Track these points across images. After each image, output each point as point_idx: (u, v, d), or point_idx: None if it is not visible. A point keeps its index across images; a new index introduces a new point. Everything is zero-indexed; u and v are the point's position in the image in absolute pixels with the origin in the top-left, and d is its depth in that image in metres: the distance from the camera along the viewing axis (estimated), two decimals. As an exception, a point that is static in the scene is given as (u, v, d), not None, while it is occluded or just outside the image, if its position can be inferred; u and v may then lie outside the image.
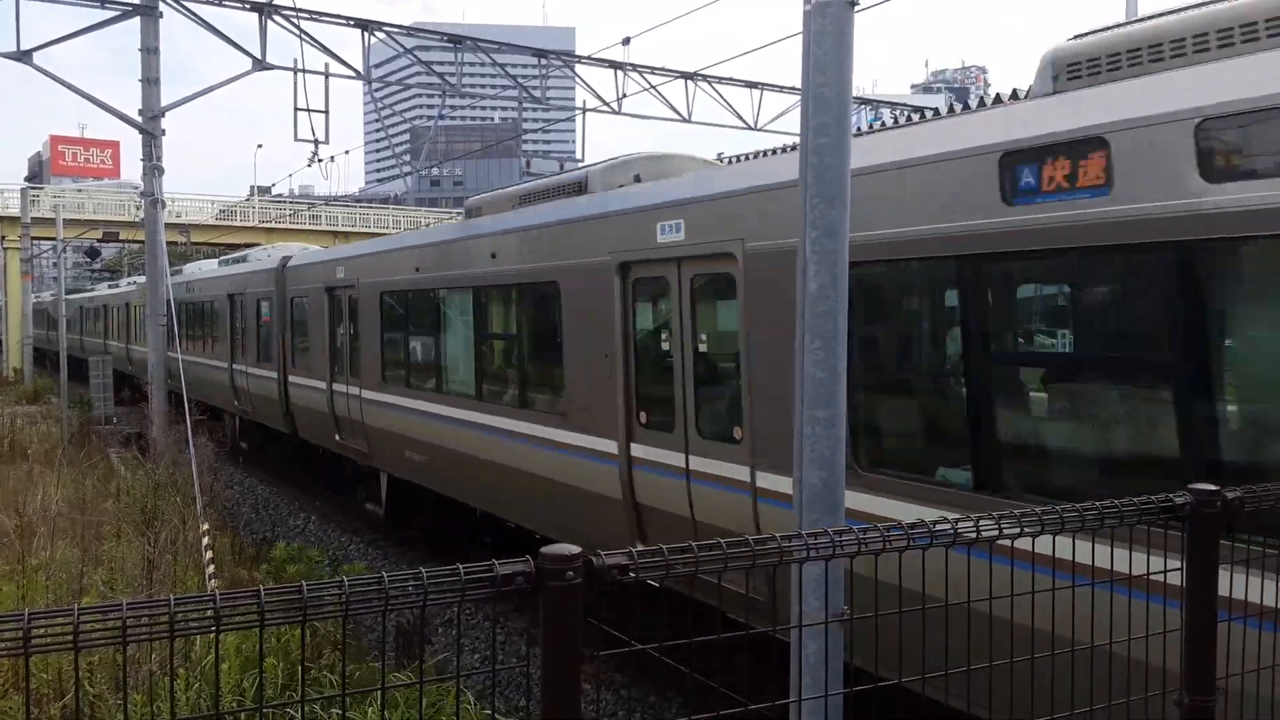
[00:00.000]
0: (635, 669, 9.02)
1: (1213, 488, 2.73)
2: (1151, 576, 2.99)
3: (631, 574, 2.05)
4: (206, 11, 26.85)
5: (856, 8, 3.67)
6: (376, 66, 36.07)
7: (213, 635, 1.83)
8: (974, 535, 2.60)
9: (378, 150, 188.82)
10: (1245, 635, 2.92)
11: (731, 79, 25.51)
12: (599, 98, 25.03)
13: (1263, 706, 3.01)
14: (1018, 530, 2.62)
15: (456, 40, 24.40)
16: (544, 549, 2.01)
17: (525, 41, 29.15)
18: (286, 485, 18.75)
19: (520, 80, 25.96)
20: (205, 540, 10.34)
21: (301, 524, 15.79)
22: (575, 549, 2.01)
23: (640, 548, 2.17)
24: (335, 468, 16.09)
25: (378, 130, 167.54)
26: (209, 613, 1.75)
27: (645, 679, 8.88)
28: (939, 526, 2.58)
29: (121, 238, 50.86)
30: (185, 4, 19.71)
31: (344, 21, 21.63)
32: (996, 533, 2.59)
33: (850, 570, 3.48)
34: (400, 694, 6.24)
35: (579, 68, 26.17)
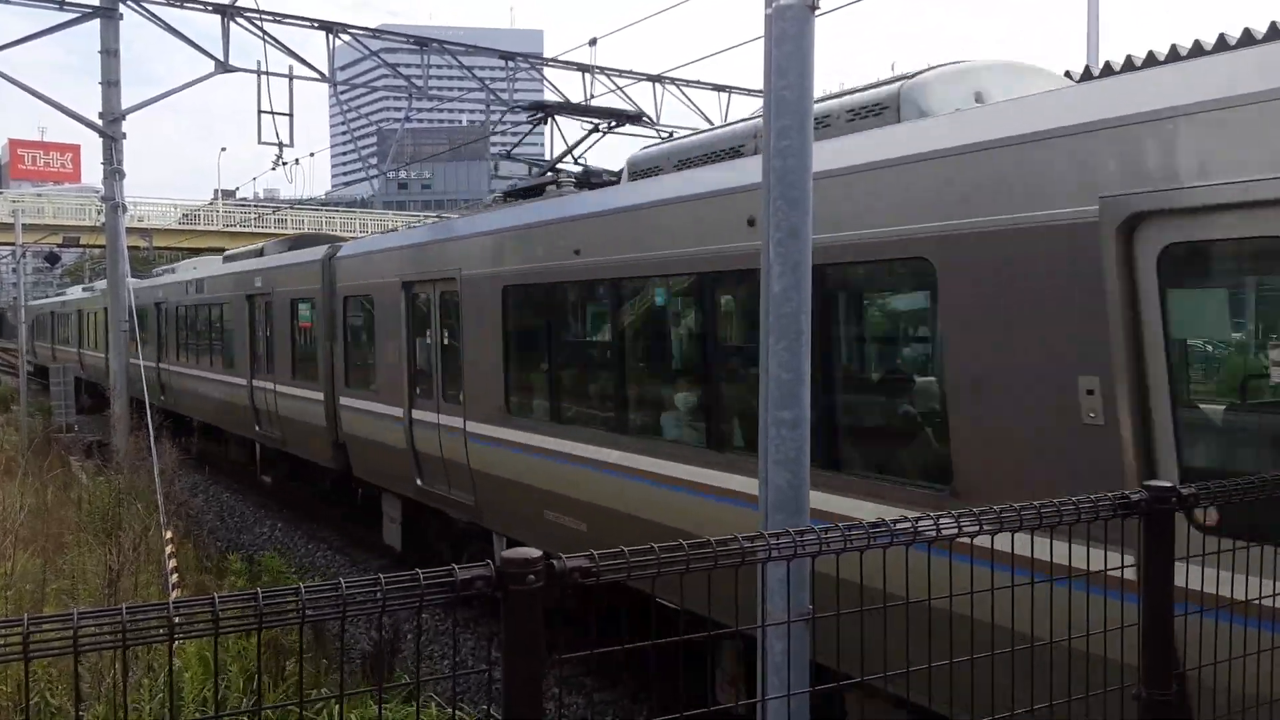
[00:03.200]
0: (606, 671, 9.01)
1: (1167, 484, 2.78)
2: (1114, 573, 3.03)
3: (593, 577, 2.05)
4: (167, 13, 26.58)
5: (817, 11, 3.69)
6: (342, 69, 35.76)
7: (175, 643, 1.80)
8: (934, 534, 2.63)
9: (344, 153, 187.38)
10: (1202, 627, 2.97)
11: (699, 82, 25.60)
12: (566, 99, 25.01)
13: (1220, 698, 3.06)
14: (977, 528, 2.65)
15: (422, 42, 24.27)
16: (505, 552, 2.01)
17: (493, 44, 29.08)
18: (251, 493, 18.55)
19: (487, 83, 25.87)
20: (169, 549, 10.20)
21: (267, 531, 15.62)
22: (537, 553, 2.00)
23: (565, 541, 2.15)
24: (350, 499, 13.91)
25: (344, 133, 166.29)
26: (161, 621, 1.72)
27: (618, 681, 8.88)
28: (899, 525, 2.60)
29: (82, 243, 50.08)
30: (145, 5, 19.44)
31: (308, 23, 21.45)
32: (956, 531, 2.62)
33: (813, 570, 3.50)
34: (372, 701, 6.19)
35: (547, 70, 26.15)
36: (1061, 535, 2.90)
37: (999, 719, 2.80)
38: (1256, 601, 3.20)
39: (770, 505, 3.68)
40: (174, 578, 9.64)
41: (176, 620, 1.66)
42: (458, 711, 7.25)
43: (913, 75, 6.20)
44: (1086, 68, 6.14)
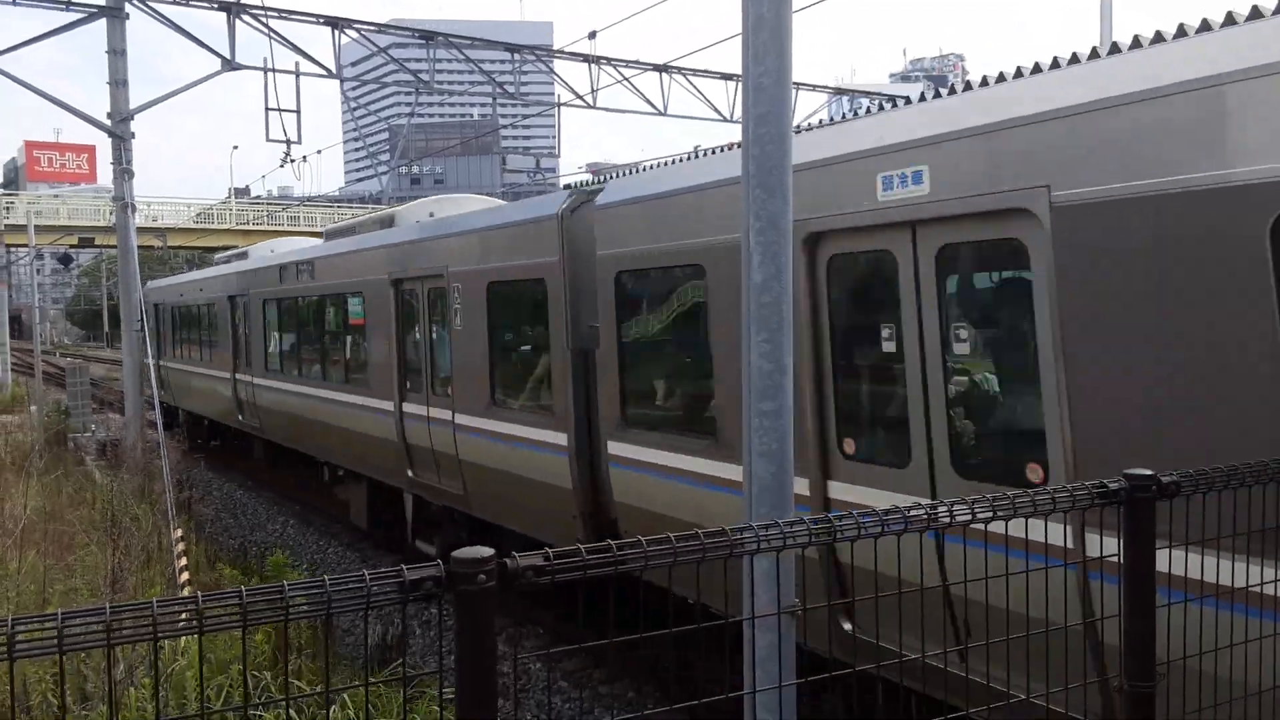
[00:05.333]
0: (611, 664, 9.00)
1: (1148, 472, 2.73)
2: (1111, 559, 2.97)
3: (547, 576, 2.02)
4: (173, 12, 26.65)
5: (796, -4, 3.64)
6: (350, 65, 35.82)
7: (185, 640, 1.80)
8: (925, 522, 2.59)
9: (355, 149, 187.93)
10: (1186, 614, 2.91)
11: (706, 71, 25.49)
12: (573, 91, 24.95)
13: (1206, 684, 3.01)
14: (969, 516, 2.62)
15: (428, 36, 24.24)
16: (455, 552, 1.98)
17: (502, 37, 29.02)
18: (264, 489, 18.65)
19: (494, 76, 25.84)
20: (180, 547, 10.26)
21: (279, 529, 15.70)
22: (488, 551, 1.98)
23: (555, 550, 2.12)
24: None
25: (353, 129, 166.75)
26: (141, 621, 1.71)
27: (622, 674, 8.87)
28: (890, 515, 2.57)
29: (97, 243, 50.46)
30: (151, 5, 19.50)
31: (314, 19, 21.45)
32: (949, 519, 2.59)
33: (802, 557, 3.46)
34: (363, 697, 6.21)
35: (554, 62, 26.07)
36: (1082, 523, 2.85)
37: (996, 706, 2.76)
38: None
39: (754, 497, 3.64)
40: (184, 576, 9.70)
41: (114, 622, 1.64)
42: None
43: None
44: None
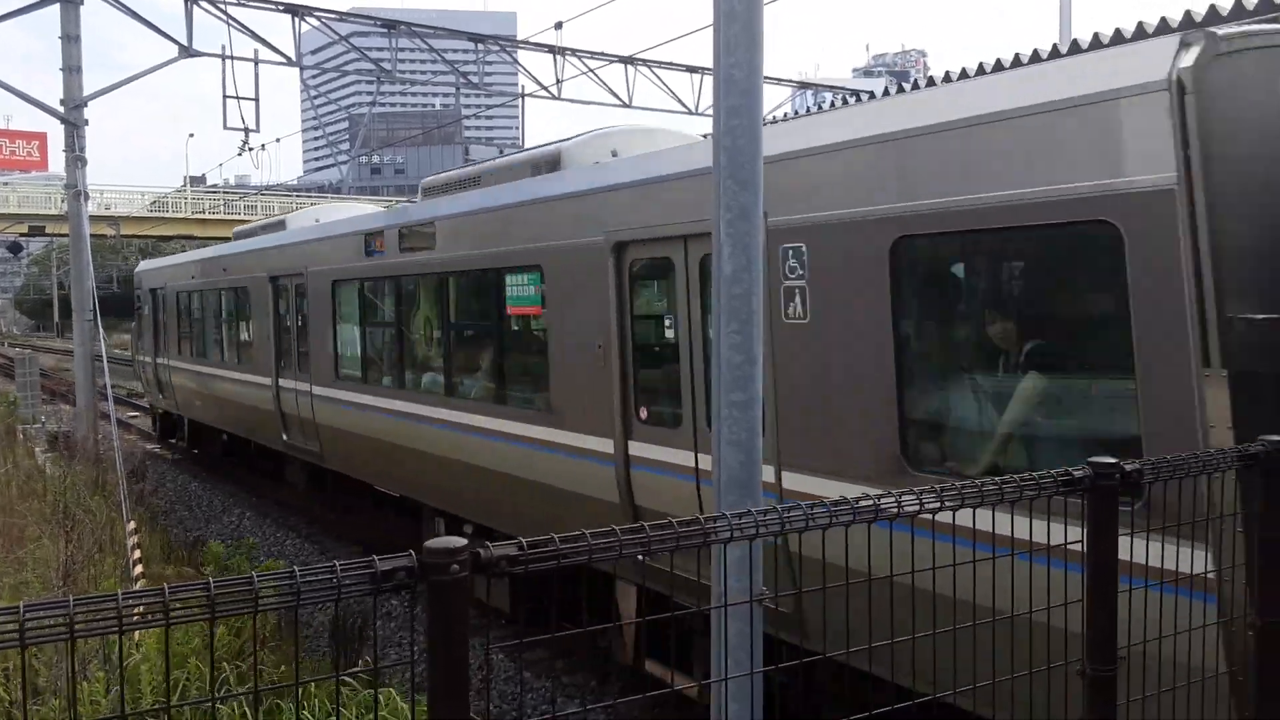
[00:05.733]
0: (573, 653, 9.00)
1: (1111, 460, 2.77)
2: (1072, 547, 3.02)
3: (521, 565, 2.01)
4: (129, -4, 26.07)
5: (766, -12, 3.64)
6: (310, 53, 35.28)
7: (140, 633, 1.76)
8: (895, 511, 2.61)
9: (314, 138, 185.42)
10: (1147, 600, 2.97)
11: (671, 63, 25.46)
12: (538, 82, 24.80)
13: (1165, 670, 3.07)
14: (938, 505, 2.64)
15: (391, 25, 23.97)
16: (428, 542, 1.96)
17: (465, 26, 28.79)
18: (220, 482, 18.37)
19: (458, 66, 25.62)
20: (133, 540, 10.07)
21: (235, 520, 15.48)
22: (461, 541, 1.96)
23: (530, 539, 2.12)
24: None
25: (313, 118, 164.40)
26: (64, 619, 1.67)
27: (583, 665, 8.88)
28: (861, 503, 2.58)
29: (48, 231, 49.35)
30: (105, -13, 19.06)
31: (274, 7, 21.11)
32: (918, 508, 2.61)
33: (771, 547, 3.48)
34: (322, 690, 6.15)
35: (518, 52, 25.90)
36: (1032, 511, 2.89)
37: (961, 690, 2.79)
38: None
39: (723, 486, 3.66)
40: (138, 569, 9.53)
41: (75, 615, 1.60)
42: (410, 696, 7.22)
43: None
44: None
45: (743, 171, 3.50)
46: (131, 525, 9.96)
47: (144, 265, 22.61)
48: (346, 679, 6.68)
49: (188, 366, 18.12)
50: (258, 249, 14.66)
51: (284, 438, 13.73)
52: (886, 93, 10.34)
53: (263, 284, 14.02)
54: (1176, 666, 3.06)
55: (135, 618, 1.72)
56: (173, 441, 22.10)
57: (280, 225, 15.51)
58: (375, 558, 1.90)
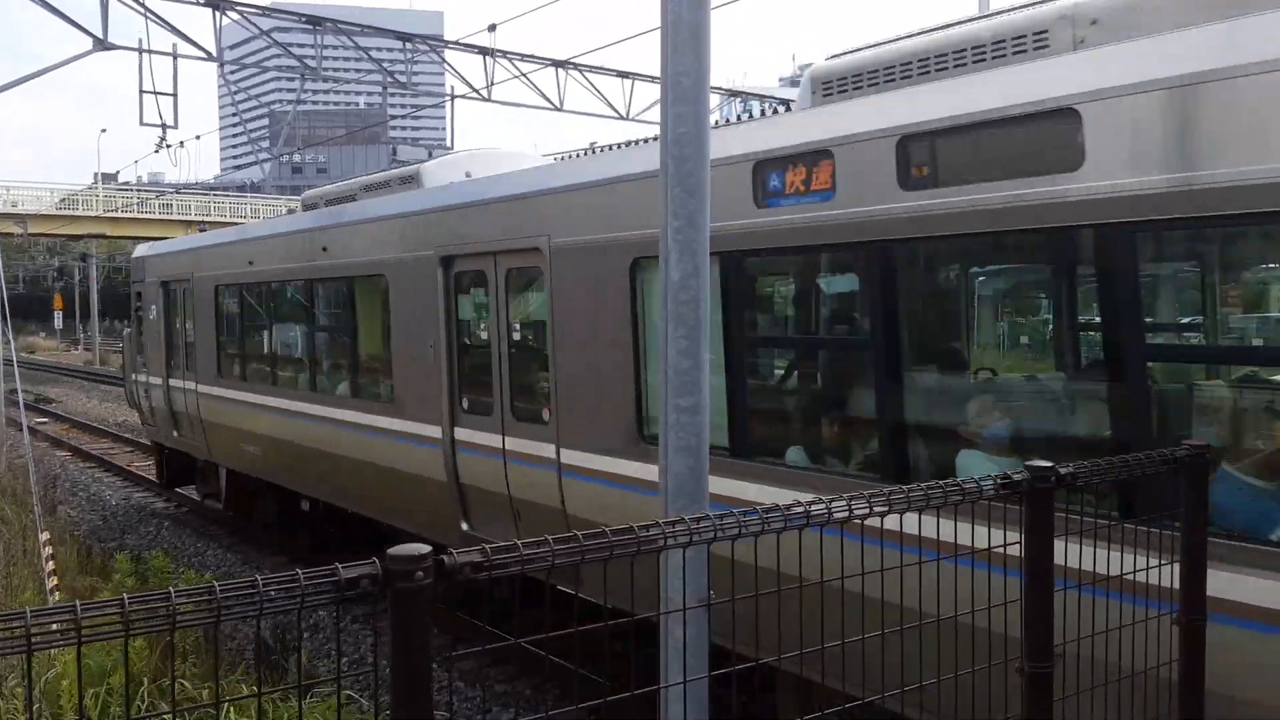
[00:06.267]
0: (514, 664, 8.94)
1: (1047, 465, 2.88)
2: (1003, 550, 3.12)
3: (485, 572, 2.00)
4: (38, -16, 25.08)
5: (713, -2, 3.69)
6: (230, 48, 34.39)
7: (58, 651, 1.69)
8: (826, 517, 2.66)
9: (233, 135, 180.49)
10: (1080, 602, 3.09)
11: (603, 68, 25.47)
12: (468, 84, 24.56)
13: (1098, 670, 3.19)
14: (867, 510, 2.70)
15: (315, 22, 23.49)
16: (392, 550, 1.94)
17: (391, 25, 28.35)
18: (135, 490, 17.76)
19: (385, 65, 25.22)
20: (48, 551, 9.68)
21: (154, 530, 14.98)
22: (425, 548, 1.95)
23: (492, 545, 2.12)
24: None
25: (233, 115, 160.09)
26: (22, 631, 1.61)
27: (524, 673, 8.82)
28: (793, 510, 2.62)
29: (-52, 228, 47.07)
30: (14, -25, 18.30)
31: (193, 0, 20.51)
32: (847, 514, 2.66)
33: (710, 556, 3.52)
34: (266, 704, 5.99)
35: (447, 53, 25.64)
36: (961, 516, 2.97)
37: (893, 693, 2.86)
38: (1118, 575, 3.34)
39: (671, 492, 3.68)
40: (53, 580, 9.16)
41: (34, 627, 1.55)
42: (350, 709, 7.10)
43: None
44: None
45: (690, 179, 3.54)
46: (45, 536, 9.56)
47: (149, 249, 15.60)
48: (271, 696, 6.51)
49: (238, 396, 12.12)
50: (415, 213, 8.92)
51: (464, 526, 8.54)
52: (647, 140, 11.56)
53: (425, 269, 8.59)
54: (1109, 665, 3.19)
55: (94, 631, 1.66)
56: (184, 491, 16.01)
57: (413, 180, 9.95)
58: (339, 565, 1.88)
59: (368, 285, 9.77)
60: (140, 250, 16.06)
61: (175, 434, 14.49)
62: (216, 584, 1.72)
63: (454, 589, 1.96)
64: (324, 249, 10.29)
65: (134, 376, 16.14)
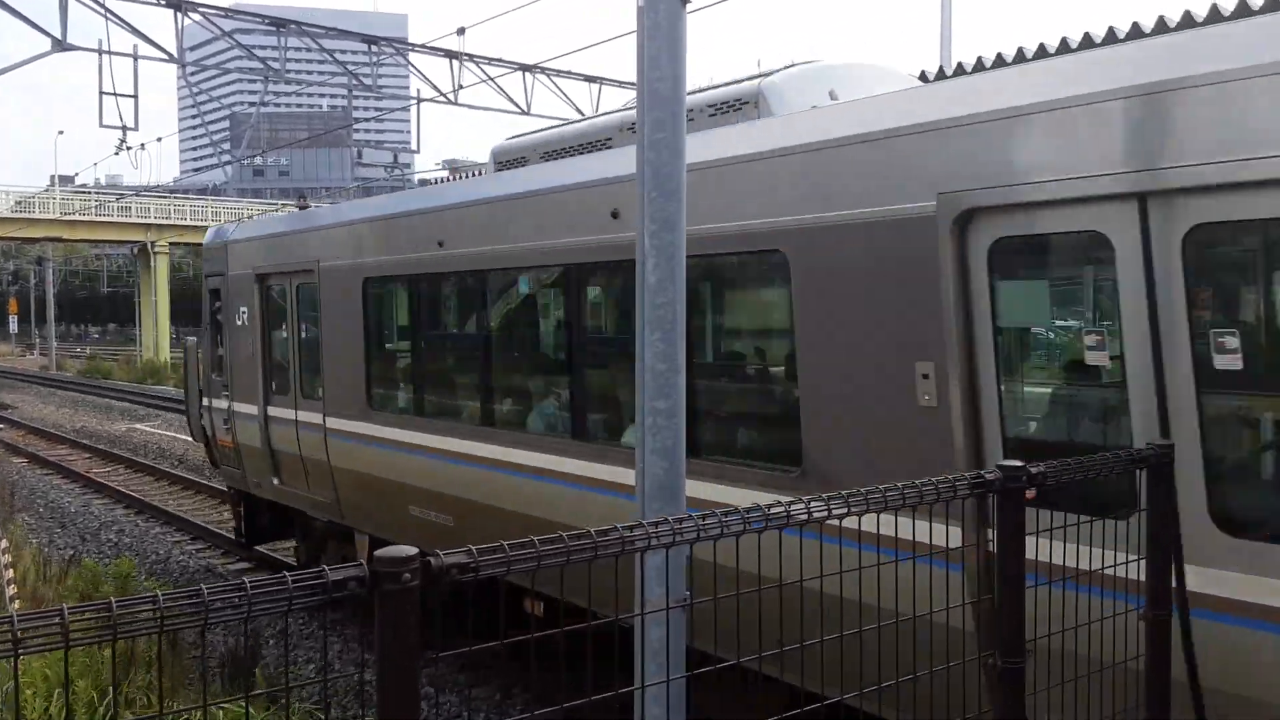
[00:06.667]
0: (479, 667, 8.90)
1: (1019, 464, 2.94)
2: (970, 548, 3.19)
3: (472, 572, 2.01)
4: (-6, -17, 24.66)
5: (689, 5, 3.72)
6: (192, 49, 33.96)
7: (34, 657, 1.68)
8: (805, 517, 2.70)
9: (194, 138, 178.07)
10: (1051, 598, 3.16)
11: (570, 72, 25.48)
12: (434, 88, 24.47)
13: (1067, 663, 3.26)
14: (845, 510, 2.74)
15: (279, 24, 23.27)
16: (379, 551, 1.95)
17: (355, 27, 28.16)
18: (94, 496, 17.46)
19: (350, 67, 25.05)
20: (5, 559, 9.49)
21: (115, 537, 14.74)
22: (411, 550, 1.95)
23: (479, 545, 2.13)
24: None
25: (194, 117, 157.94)
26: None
27: (489, 677, 8.79)
28: (773, 510, 2.66)
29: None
30: (-31, -26, 17.95)
31: (154, 1, 20.24)
32: (826, 513, 2.70)
33: (691, 556, 3.55)
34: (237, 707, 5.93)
35: (413, 56, 25.52)
36: (923, 515, 3.02)
37: (866, 691, 2.90)
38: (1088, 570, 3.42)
39: (648, 493, 3.70)
40: (11, 589, 8.98)
41: (20, 634, 1.54)
42: (327, 716, 7.03)
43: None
44: (940, 69, 6.52)
45: (668, 183, 3.57)
46: (3, 544, 9.38)
47: (234, 231, 11.49)
48: (226, 705, 6.44)
49: (410, 439, 8.44)
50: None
51: None
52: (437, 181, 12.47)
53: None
54: (1079, 659, 3.26)
55: (84, 634, 1.65)
56: (271, 551, 12.62)
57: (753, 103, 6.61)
58: (325, 567, 1.88)
59: (740, 269, 5.90)
60: (219, 233, 11.73)
61: (276, 481, 10.50)
62: (204, 586, 1.72)
63: (442, 591, 1.96)
64: (614, 215, 6.11)
65: (206, 401, 11.87)
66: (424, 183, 12.55)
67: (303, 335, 10.00)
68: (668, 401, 3.63)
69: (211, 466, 12.78)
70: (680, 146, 3.67)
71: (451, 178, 10.97)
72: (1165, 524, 3.28)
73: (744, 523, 2.46)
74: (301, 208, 11.09)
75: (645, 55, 3.63)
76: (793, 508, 2.71)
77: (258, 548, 12.43)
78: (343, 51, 25.65)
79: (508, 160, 8.41)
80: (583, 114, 25.63)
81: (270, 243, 10.55)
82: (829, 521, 2.73)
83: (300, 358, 9.98)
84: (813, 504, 2.71)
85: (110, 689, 6.34)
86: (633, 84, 3.86)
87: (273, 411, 10.36)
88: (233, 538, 12.76)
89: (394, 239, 8.49)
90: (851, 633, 2.79)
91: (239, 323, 10.90)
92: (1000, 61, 5.58)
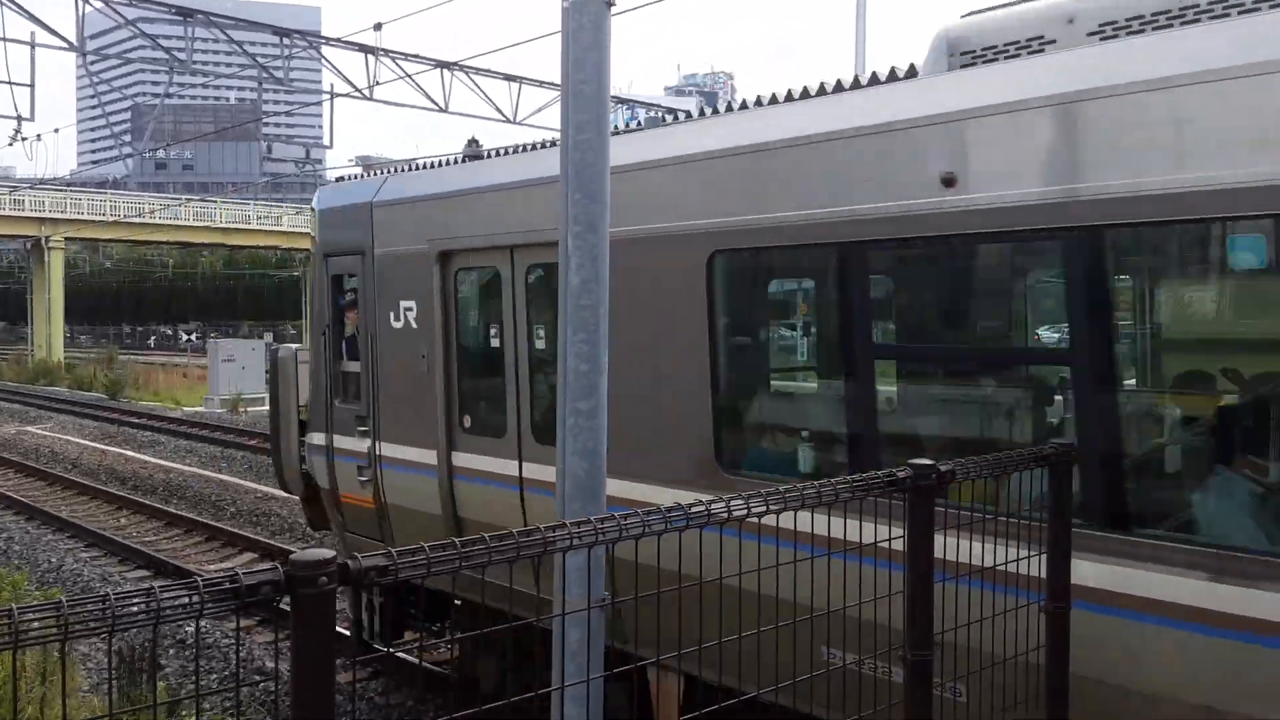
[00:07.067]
0: (392, 673, 8.76)
1: (929, 462, 3.03)
2: (884, 544, 3.26)
3: (391, 575, 1.98)
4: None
5: (613, 8, 3.73)
6: (93, 37, 32.63)
7: None
8: (725, 515, 2.73)
9: (94, 129, 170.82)
10: (958, 593, 3.26)
11: (490, 71, 25.26)
12: (349, 83, 23.98)
13: (973, 657, 3.37)
14: (764, 508, 2.78)
15: (186, 13, 22.50)
16: (295, 554, 1.90)
17: (265, 18, 27.43)
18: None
19: (260, 60, 24.37)
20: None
21: (3, 545, 14.04)
22: (329, 553, 1.91)
23: (398, 548, 2.10)
24: None
25: (95, 107, 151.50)
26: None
27: (404, 683, 8.66)
28: (694, 508, 2.69)
29: None
30: None
31: (52, -16, 19.37)
32: (745, 511, 2.74)
33: (612, 556, 3.55)
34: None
35: (326, 50, 24.97)
36: (851, 514, 3.09)
37: (783, 685, 2.96)
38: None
39: (568, 493, 3.70)
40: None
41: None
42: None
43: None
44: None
45: (591, 185, 3.57)
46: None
47: (390, 187, 7.68)
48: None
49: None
50: None
51: None
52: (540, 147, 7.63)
53: None
54: (983, 653, 3.37)
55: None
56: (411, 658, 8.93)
57: None
58: (239, 571, 1.83)
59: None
60: (348, 191, 8.17)
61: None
62: (111, 592, 1.65)
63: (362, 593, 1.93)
64: None
65: (318, 438, 8.16)
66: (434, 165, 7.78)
67: (538, 345, 6.42)
68: (589, 402, 3.63)
69: (311, 528, 9.09)
70: (604, 148, 3.68)
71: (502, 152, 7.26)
72: (1064, 520, 3.42)
73: (665, 521, 2.48)
74: (473, 156, 7.39)
75: (570, 58, 3.63)
76: (713, 505, 2.74)
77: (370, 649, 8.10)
78: (252, 43, 24.94)
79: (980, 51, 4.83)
80: (503, 113, 25.41)
81: (467, 202, 6.81)
82: (761, 520, 2.77)
83: (535, 379, 6.44)
84: (733, 503, 2.75)
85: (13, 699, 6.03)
86: (553, 84, 3.86)
87: (466, 461, 6.81)
88: (344, 631, 8.44)
89: (800, 178, 4.86)
90: (769, 629, 2.83)
91: (396, 325, 7.26)
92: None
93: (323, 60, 25.06)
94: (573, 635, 3.58)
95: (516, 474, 6.42)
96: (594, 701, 3.48)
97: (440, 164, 7.78)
